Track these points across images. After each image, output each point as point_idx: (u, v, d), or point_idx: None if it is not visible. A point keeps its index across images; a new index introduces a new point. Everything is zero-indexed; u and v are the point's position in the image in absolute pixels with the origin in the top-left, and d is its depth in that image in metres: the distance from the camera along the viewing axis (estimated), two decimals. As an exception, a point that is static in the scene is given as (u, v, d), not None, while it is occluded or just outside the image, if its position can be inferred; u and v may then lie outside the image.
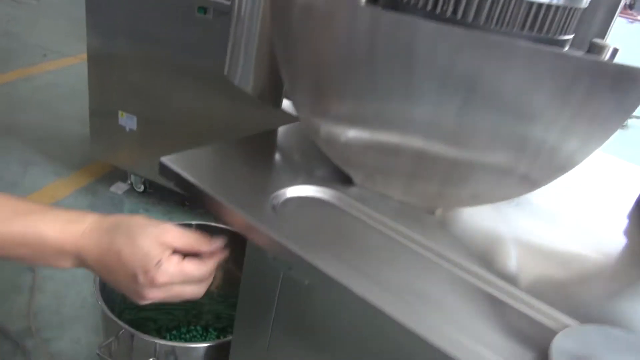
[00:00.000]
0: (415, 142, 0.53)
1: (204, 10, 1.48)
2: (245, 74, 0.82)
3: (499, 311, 0.46)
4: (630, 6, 3.48)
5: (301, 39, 0.55)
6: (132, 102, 1.77)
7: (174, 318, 1.36)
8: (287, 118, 0.81)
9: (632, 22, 3.35)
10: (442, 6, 0.52)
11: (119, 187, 2.01)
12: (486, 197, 0.58)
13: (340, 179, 0.60)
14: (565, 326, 0.45)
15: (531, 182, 0.55)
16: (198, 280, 0.51)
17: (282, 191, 0.56)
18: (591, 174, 0.80)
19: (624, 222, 0.69)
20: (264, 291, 0.59)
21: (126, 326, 0.97)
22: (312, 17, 0.53)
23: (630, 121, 2.96)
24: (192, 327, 1.39)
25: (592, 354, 0.41)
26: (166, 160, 0.57)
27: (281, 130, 0.76)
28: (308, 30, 0.54)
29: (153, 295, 0.49)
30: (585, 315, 0.46)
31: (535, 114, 0.48)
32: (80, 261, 0.50)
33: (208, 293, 0.55)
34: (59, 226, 0.49)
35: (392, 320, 0.42)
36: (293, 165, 0.65)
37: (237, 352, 0.70)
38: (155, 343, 0.96)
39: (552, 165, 0.53)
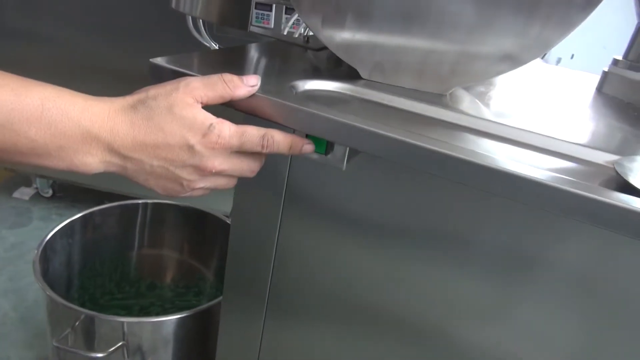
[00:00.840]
0: (420, 40, 0.52)
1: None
2: (197, 1, 0.75)
3: (544, 158, 0.46)
4: None
5: None
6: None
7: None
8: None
9: None
10: None
11: (24, 193, 1.77)
12: (491, 73, 0.58)
13: (346, 76, 0.57)
14: (611, 161, 0.45)
15: (519, 61, 0.56)
16: (255, 142, 0.43)
17: (299, 82, 0.51)
18: (545, 81, 0.85)
19: (592, 103, 0.74)
20: (256, 257, 0.54)
21: (86, 311, 0.84)
22: None
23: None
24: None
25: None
26: (158, 61, 0.49)
27: (264, 44, 0.70)
28: None
29: (217, 165, 0.41)
30: (617, 151, 0.47)
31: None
32: (110, 150, 0.40)
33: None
34: (80, 103, 0.39)
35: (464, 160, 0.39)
36: (291, 68, 0.60)
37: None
38: (123, 322, 0.85)
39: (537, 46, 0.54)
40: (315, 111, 0.43)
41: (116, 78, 1.46)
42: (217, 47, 0.98)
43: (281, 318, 0.63)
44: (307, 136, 0.46)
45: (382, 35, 0.54)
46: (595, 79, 0.82)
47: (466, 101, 0.61)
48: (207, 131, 0.40)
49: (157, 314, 1.28)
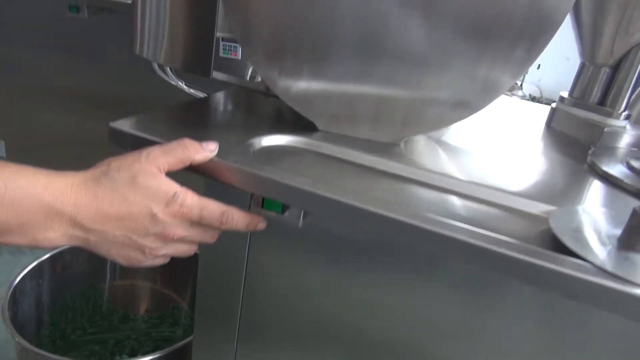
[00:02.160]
0: (374, 88, 0.55)
1: (76, 8, 1.35)
2: (160, 47, 0.77)
3: (486, 208, 0.49)
4: None
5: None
6: (-4, 126, 1.55)
7: (94, 353, 1.21)
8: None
9: None
10: None
11: (-8, 226, 1.74)
12: (442, 123, 0.61)
13: (303, 129, 0.59)
14: (548, 212, 0.49)
15: (472, 108, 0.60)
16: (215, 217, 0.45)
17: (254, 140, 0.54)
18: (500, 113, 0.89)
19: (541, 138, 0.78)
20: (225, 288, 0.56)
21: (57, 357, 0.84)
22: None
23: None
24: (118, 358, 1.26)
25: (584, 226, 0.45)
26: (117, 125, 0.51)
27: (220, 94, 0.72)
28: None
29: (179, 232, 0.43)
30: (556, 201, 0.51)
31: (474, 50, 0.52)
32: (73, 223, 0.41)
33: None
34: (42, 180, 0.40)
35: (406, 225, 0.42)
36: (250, 121, 0.62)
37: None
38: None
39: (487, 93, 0.57)
40: (269, 176, 0.45)
41: (87, 103, 1.46)
42: (183, 85, 1.00)
43: (253, 349, 0.64)
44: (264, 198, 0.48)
45: (337, 85, 0.57)
46: (547, 112, 0.86)
47: (420, 144, 0.64)
48: (170, 200, 0.42)
49: (132, 348, 1.27)
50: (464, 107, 0.57)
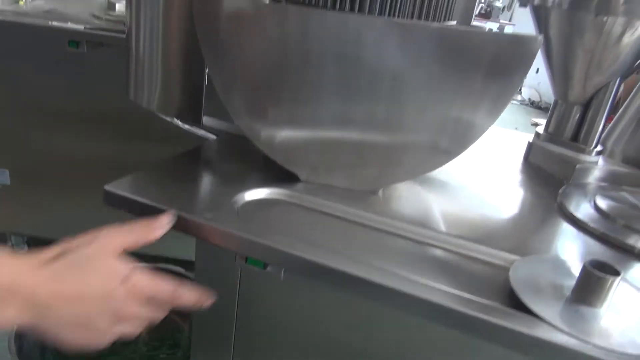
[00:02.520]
0: (352, 134, 0.59)
1: (75, 44, 1.40)
2: (154, 95, 0.81)
3: (452, 260, 0.53)
4: (487, 15, 4.05)
5: (231, 46, 0.57)
6: (0, 155, 1.59)
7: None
8: (184, 142, 0.81)
9: (485, 23, 4.04)
10: (341, 3, 0.58)
11: (-2, 251, 1.78)
12: (418, 170, 0.65)
13: (286, 178, 0.63)
14: (511, 261, 0.53)
15: (449, 153, 0.63)
16: (167, 295, 0.48)
17: (240, 196, 0.58)
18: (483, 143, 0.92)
19: (518, 174, 0.82)
20: (221, 315, 0.59)
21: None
22: (240, 24, 0.55)
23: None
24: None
25: (542, 278, 0.49)
26: (111, 187, 0.55)
27: (211, 143, 0.76)
28: (237, 36, 0.56)
29: (133, 311, 0.46)
30: (521, 249, 0.55)
31: (452, 88, 0.56)
32: (31, 304, 0.41)
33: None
34: (1, 260, 0.42)
35: (380, 286, 0.46)
36: (237, 173, 0.66)
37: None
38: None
39: (464, 137, 0.61)
40: (251, 238, 0.49)
41: (90, 128, 1.50)
42: (178, 121, 1.04)
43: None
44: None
45: (316, 134, 0.60)
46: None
47: (399, 188, 0.68)
48: (125, 279, 0.45)
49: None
50: (441, 152, 0.61)
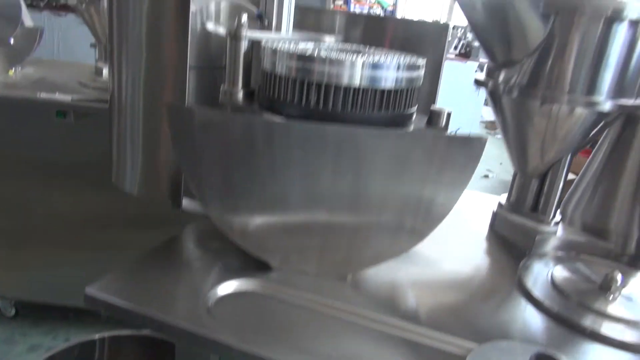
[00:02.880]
0: (320, 219, 0.64)
1: (63, 114, 1.45)
2: (134, 180, 0.85)
3: (411, 349, 0.56)
4: (466, 55, 4.21)
5: (203, 150, 0.62)
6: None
7: None
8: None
9: (465, 62, 4.22)
10: (308, 99, 0.64)
11: (-15, 316, 1.78)
12: (386, 255, 0.69)
13: (259, 265, 0.67)
14: (469, 350, 0.56)
15: (418, 234, 0.68)
16: None
17: (212, 292, 0.61)
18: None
19: (483, 244, 0.86)
20: None
21: None
22: (211, 132, 0.60)
23: (490, 174, 3.78)
24: None
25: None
26: (91, 290, 0.58)
27: (187, 231, 0.80)
28: (208, 142, 0.61)
29: None
30: (479, 334, 0.58)
31: (409, 180, 0.61)
32: None
33: None
34: None
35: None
36: (212, 264, 0.70)
37: None
38: None
39: (431, 217, 0.66)
40: (221, 340, 0.53)
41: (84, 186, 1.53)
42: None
43: None
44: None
45: (284, 229, 0.65)
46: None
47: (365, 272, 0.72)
48: None
49: None
50: (405, 235, 0.66)
